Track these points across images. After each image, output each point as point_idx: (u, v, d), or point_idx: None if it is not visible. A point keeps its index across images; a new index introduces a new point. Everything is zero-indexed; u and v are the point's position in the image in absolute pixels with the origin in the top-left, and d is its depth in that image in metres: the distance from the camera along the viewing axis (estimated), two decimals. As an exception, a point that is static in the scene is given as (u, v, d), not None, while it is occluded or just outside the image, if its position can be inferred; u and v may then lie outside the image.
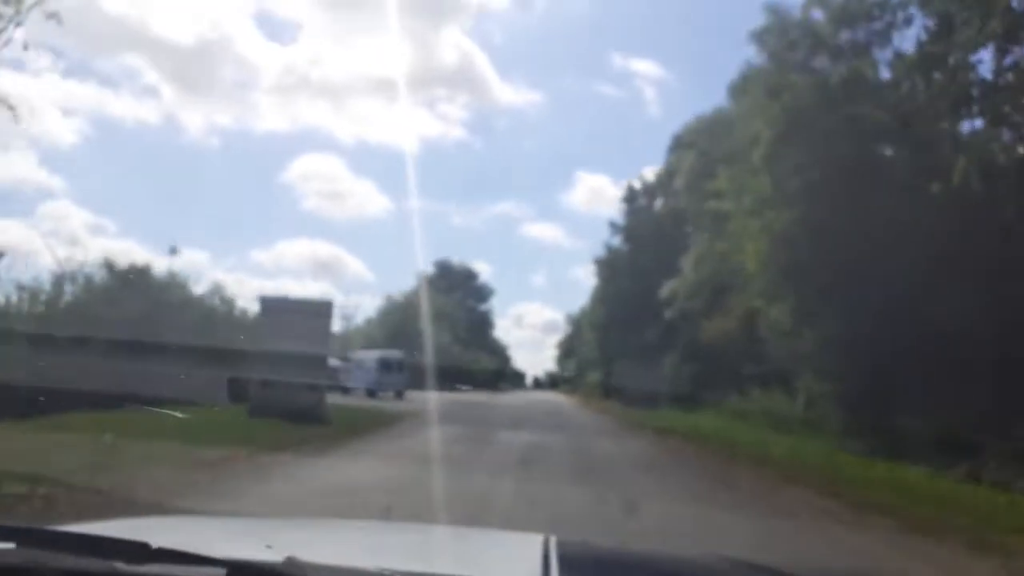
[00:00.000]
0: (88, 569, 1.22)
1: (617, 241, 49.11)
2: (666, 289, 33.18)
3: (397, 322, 56.92)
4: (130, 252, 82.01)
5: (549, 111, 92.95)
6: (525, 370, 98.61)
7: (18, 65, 74.27)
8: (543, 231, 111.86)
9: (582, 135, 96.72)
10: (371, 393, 35.78)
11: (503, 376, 78.16)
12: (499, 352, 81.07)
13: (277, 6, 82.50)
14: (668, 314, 33.56)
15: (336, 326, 66.18)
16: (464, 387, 47.63)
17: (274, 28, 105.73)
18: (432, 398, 32.98)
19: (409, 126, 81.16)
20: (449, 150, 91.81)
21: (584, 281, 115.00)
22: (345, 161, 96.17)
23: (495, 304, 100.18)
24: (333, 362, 42.86)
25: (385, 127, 78.58)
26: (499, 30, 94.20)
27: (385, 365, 37.04)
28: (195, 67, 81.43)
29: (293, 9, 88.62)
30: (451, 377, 49.29)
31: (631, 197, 48.55)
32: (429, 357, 39.42)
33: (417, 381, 41.60)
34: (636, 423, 24.87)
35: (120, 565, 1.21)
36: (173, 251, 37.93)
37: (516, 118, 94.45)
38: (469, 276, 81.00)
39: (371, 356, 38.41)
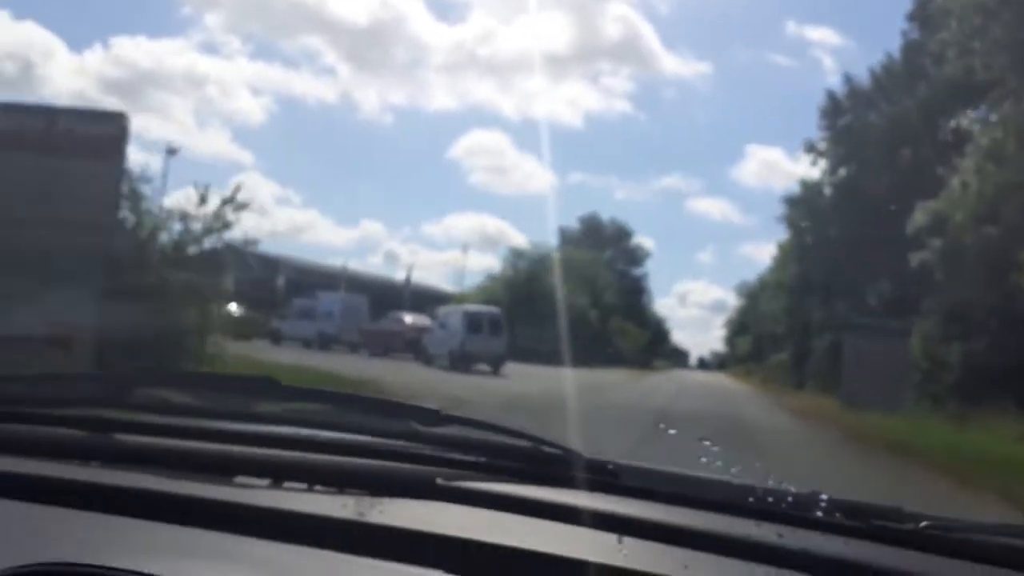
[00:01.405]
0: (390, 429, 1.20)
1: (817, 171, 35.43)
2: (921, 215, 19.89)
3: (523, 279, 46.15)
4: (313, 223, 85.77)
5: (718, 82, 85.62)
6: (689, 349, 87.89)
7: (213, 49, 72.93)
8: (711, 206, 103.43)
9: (754, 107, 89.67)
10: (455, 364, 24.84)
11: (657, 351, 65.38)
12: (653, 324, 68.18)
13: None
14: (920, 257, 20.32)
15: (450, 285, 56.61)
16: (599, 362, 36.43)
17: (443, 8, 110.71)
18: (538, 375, 21.84)
19: (573, 100, 77.65)
20: (613, 123, 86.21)
21: (756, 257, 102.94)
22: (510, 136, 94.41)
23: (657, 279, 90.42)
24: (419, 320, 32.25)
25: (549, 102, 74.76)
26: (665, 0, 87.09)
27: (474, 325, 25.72)
28: (369, 48, 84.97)
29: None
30: (586, 348, 38.22)
31: (834, 111, 34.64)
32: (557, 321, 28.34)
33: (534, 351, 31.06)
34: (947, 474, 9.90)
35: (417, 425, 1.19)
36: (171, 152, 29.56)
37: (683, 90, 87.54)
38: (621, 235, 68.48)
39: (455, 312, 27.29)
